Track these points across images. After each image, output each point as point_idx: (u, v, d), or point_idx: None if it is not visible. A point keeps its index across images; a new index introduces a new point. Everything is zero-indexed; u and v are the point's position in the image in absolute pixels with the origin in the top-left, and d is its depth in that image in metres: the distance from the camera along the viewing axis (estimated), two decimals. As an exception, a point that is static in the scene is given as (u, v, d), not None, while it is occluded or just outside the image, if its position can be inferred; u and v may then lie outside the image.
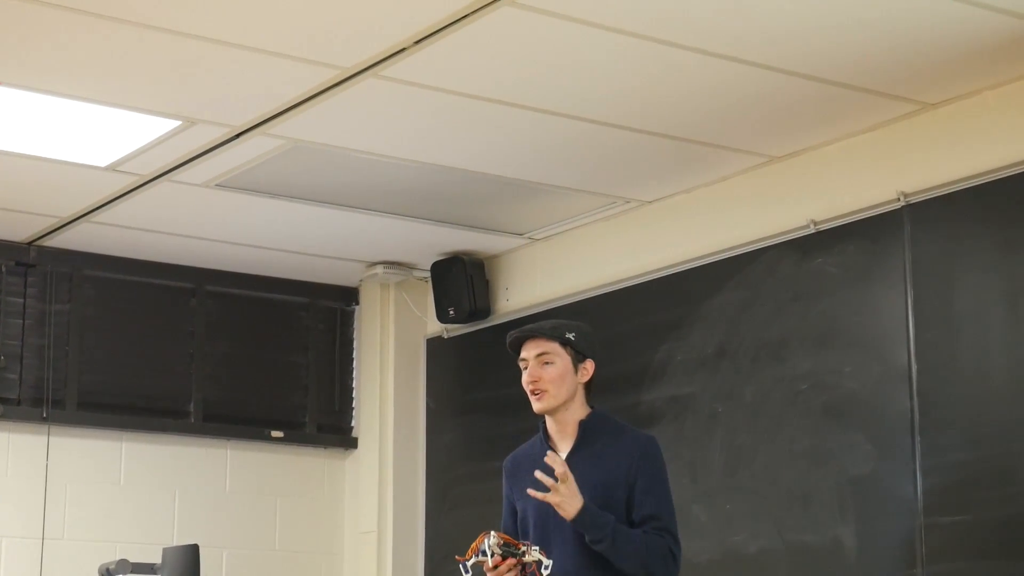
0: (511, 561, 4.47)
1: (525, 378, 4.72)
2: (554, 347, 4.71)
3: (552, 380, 4.68)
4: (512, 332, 4.79)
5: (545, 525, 4.66)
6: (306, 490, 8.18)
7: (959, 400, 5.65)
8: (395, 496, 7.99)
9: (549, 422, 4.77)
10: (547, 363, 4.69)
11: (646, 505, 4.61)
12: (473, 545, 4.51)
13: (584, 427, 4.71)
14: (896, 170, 5.96)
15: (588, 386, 4.76)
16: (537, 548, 4.51)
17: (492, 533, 4.50)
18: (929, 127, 5.87)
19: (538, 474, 4.51)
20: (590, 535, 4.52)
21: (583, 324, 4.85)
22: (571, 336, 4.72)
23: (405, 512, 7.98)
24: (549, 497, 4.49)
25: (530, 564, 4.48)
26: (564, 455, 4.70)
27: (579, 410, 4.73)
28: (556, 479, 4.53)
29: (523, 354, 4.75)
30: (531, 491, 4.54)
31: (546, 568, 4.46)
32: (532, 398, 4.71)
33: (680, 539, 4.65)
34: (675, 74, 5.53)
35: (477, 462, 7.67)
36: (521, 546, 4.50)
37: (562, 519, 4.56)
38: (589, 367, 4.75)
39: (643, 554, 4.54)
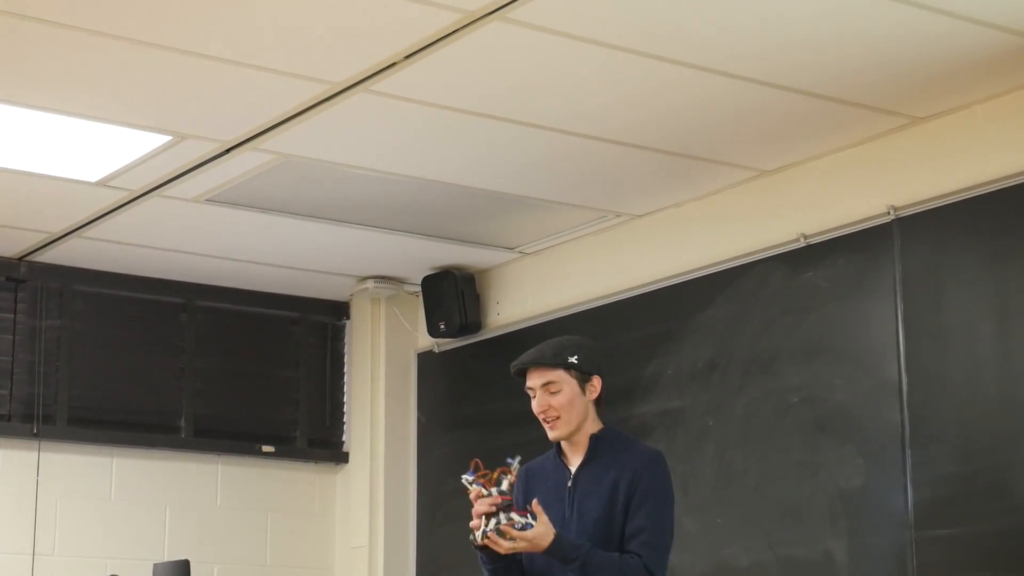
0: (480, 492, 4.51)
1: (535, 407, 4.71)
2: (558, 374, 4.68)
3: (562, 407, 4.67)
4: (515, 362, 4.76)
5: None
6: (297, 505, 8.17)
7: (950, 413, 5.65)
8: (386, 511, 7.97)
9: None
10: (554, 392, 4.68)
11: (637, 517, 4.60)
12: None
13: (595, 441, 4.71)
14: (886, 184, 5.97)
15: (597, 401, 4.76)
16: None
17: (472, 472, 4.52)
18: (918, 141, 5.88)
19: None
20: (563, 564, 4.52)
21: (584, 339, 4.81)
22: (574, 360, 4.69)
23: (396, 527, 7.97)
24: (505, 545, 4.48)
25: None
26: (575, 469, 4.71)
27: (591, 425, 4.73)
28: (563, 493, 4.57)
29: (529, 383, 4.72)
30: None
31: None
32: (546, 427, 4.70)
33: (666, 555, 4.63)
34: (665, 88, 5.54)
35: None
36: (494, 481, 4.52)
37: (568, 532, 4.57)
38: (596, 384, 4.73)
39: None
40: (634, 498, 4.60)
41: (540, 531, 4.47)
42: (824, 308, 6.13)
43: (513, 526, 4.45)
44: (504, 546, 4.47)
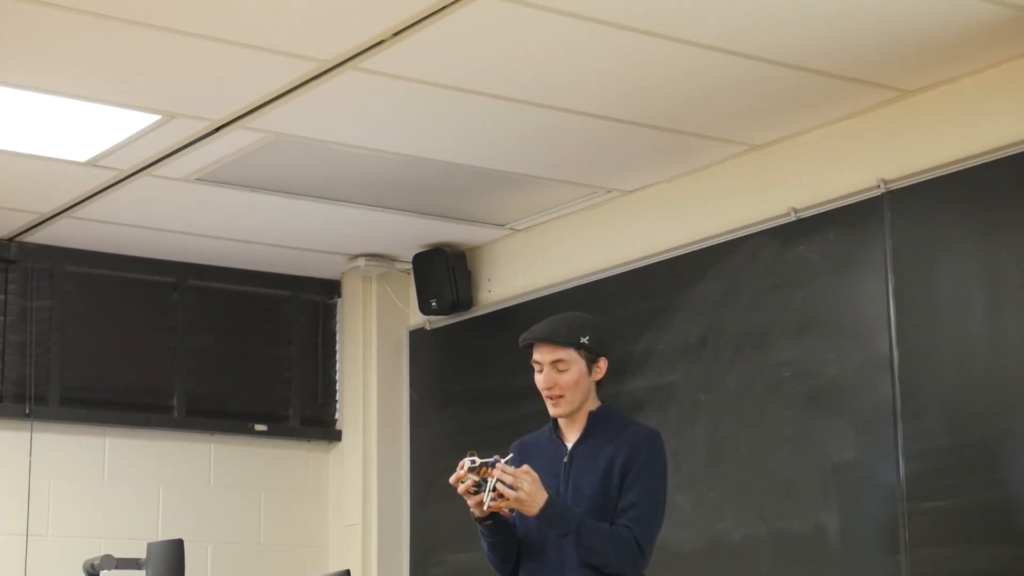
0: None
1: (540, 382, 4.71)
2: (569, 353, 4.69)
3: (568, 386, 4.68)
4: (525, 334, 4.76)
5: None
6: (290, 483, 8.18)
7: (941, 386, 5.67)
8: (379, 488, 7.99)
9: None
10: (562, 370, 4.69)
11: (629, 493, 4.62)
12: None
13: (592, 418, 4.72)
14: (876, 157, 5.97)
15: (599, 381, 4.77)
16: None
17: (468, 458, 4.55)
18: (908, 114, 5.88)
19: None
20: (555, 529, 4.54)
21: (595, 319, 4.82)
22: (585, 341, 4.70)
23: (389, 504, 7.98)
24: (510, 494, 4.49)
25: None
26: (571, 445, 4.72)
27: (590, 403, 4.74)
28: (559, 468, 4.61)
29: (537, 357, 4.73)
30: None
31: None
32: (548, 403, 4.72)
33: (655, 532, 4.65)
34: (654, 63, 5.53)
35: (461, 453, 7.60)
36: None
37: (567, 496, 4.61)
38: (603, 365, 4.74)
39: (607, 548, 4.54)
40: (628, 475, 4.62)
41: (533, 489, 4.49)
42: (815, 282, 6.14)
43: (503, 481, 4.49)
44: (509, 495, 4.48)
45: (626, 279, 6.97)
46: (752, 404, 6.30)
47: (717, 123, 6.15)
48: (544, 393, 4.71)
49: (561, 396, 4.68)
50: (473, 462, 4.53)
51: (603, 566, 4.56)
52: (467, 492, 4.53)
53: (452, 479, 4.56)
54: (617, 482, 4.62)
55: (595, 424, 4.72)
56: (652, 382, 6.73)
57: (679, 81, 5.70)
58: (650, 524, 4.64)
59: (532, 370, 4.74)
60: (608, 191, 6.99)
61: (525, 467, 4.53)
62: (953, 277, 5.68)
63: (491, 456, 4.55)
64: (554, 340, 4.69)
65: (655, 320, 6.76)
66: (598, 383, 4.75)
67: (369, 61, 5.46)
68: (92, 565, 6.28)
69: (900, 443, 5.74)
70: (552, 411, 4.72)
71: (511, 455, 4.67)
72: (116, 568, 6.46)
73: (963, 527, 5.53)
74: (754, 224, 6.41)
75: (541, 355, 4.71)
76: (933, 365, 5.70)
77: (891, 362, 5.81)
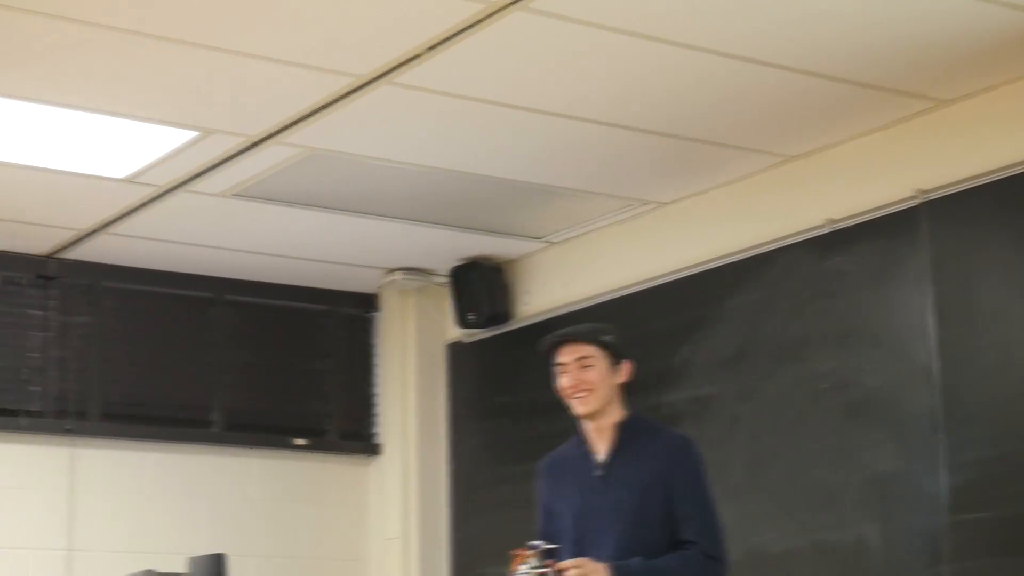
0: None
1: (565, 382, 4.72)
2: (593, 350, 4.72)
3: (593, 383, 4.69)
4: (548, 337, 4.78)
5: (583, 526, 4.68)
6: (331, 497, 8.19)
7: (984, 396, 5.63)
8: (420, 501, 7.99)
9: (587, 425, 4.77)
10: (587, 366, 4.70)
11: (683, 506, 4.63)
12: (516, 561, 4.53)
13: (622, 429, 4.72)
14: (912, 167, 5.94)
15: (623, 388, 4.77)
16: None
17: (531, 553, 4.51)
18: (945, 124, 5.85)
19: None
20: None
21: (612, 327, 4.86)
22: (608, 339, 4.73)
23: (430, 517, 7.99)
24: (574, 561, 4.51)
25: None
26: (602, 458, 4.72)
27: (616, 412, 4.74)
28: (593, 482, 4.62)
29: (561, 358, 4.74)
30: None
31: None
32: (574, 402, 4.72)
33: (721, 535, 4.67)
34: (690, 76, 5.52)
35: (501, 466, 7.67)
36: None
37: (601, 521, 4.59)
38: (625, 368, 4.76)
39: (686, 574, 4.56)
40: (675, 488, 4.62)
41: (595, 567, 4.49)
42: (853, 293, 6.11)
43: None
44: None
45: (663, 291, 6.95)
46: (791, 416, 6.28)
47: (752, 134, 6.13)
48: (569, 391, 4.71)
49: (588, 391, 4.69)
50: (536, 552, 4.51)
51: None
52: None
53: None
54: (662, 496, 4.62)
55: (625, 434, 4.71)
56: (690, 394, 6.71)
57: (715, 93, 5.68)
58: (713, 530, 4.67)
59: (571, 382, 4.75)
60: (645, 203, 6.97)
61: (579, 559, 4.53)
62: (993, 286, 5.64)
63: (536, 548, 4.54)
64: (577, 337, 4.72)
65: (693, 332, 6.74)
66: (624, 390, 4.75)
67: (404, 76, 5.47)
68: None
69: (943, 454, 5.70)
70: (578, 409, 4.72)
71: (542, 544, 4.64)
72: (158, 583, 6.49)
73: (1007, 539, 5.49)
74: (791, 235, 6.38)
75: (566, 355, 4.73)
76: (976, 375, 5.66)
77: (932, 372, 5.78)
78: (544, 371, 4.83)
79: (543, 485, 4.87)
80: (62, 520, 7.48)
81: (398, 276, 7.97)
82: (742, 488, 6.41)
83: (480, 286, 7.72)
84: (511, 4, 4.94)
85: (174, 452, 7.80)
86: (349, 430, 8.27)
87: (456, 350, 8.12)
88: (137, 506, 7.68)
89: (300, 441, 8.11)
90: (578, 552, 4.61)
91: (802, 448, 6.22)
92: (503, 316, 7.75)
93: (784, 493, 6.27)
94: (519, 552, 4.53)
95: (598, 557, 4.57)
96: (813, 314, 6.26)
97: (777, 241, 6.44)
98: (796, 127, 6.05)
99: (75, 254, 7.53)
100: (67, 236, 7.30)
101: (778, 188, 6.47)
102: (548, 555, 4.51)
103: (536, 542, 4.55)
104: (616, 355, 4.74)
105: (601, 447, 4.74)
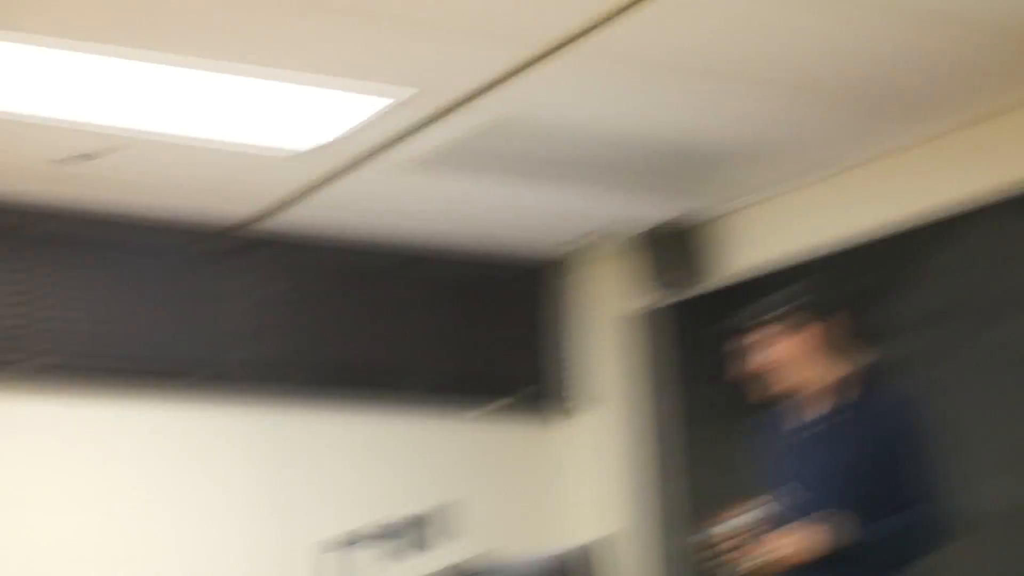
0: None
1: (763, 360, 4.68)
2: (788, 323, 4.66)
3: (792, 360, 4.64)
4: (741, 314, 4.73)
5: (800, 483, 4.62)
6: (524, 460, 8.25)
7: None
8: (614, 464, 8.00)
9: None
10: (782, 342, 4.64)
11: (911, 466, 4.56)
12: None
13: (835, 389, 4.65)
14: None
15: (832, 344, 4.68)
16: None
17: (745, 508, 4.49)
18: None
19: None
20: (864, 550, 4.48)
21: (808, 285, 4.77)
22: (803, 301, 4.66)
23: (624, 480, 7.98)
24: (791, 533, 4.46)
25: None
26: (817, 416, 4.69)
27: (826, 373, 4.67)
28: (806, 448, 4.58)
29: (749, 338, 4.71)
30: None
31: None
32: (774, 380, 4.67)
33: (940, 491, 4.58)
34: (891, 36, 5.40)
35: (696, 430, 7.62)
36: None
37: (817, 479, 4.54)
38: (828, 325, 4.67)
39: (905, 536, 4.50)
40: (895, 443, 4.54)
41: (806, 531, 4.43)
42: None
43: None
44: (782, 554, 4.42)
45: (863, 251, 6.82)
46: (995, 376, 6.12)
47: (952, 92, 5.98)
48: (767, 370, 4.66)
49: (781, 372, 4.64)
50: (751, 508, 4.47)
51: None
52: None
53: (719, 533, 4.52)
54: (881, 455, 4.52)
55: (841, 396, 4.63)
56: (892, 355, 6.57)
57: (914, 52, 5.55)
58: (934, 488, 4.59)
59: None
60: (842, 163, 6.85)
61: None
62: None
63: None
64: (771, 313, 4.66)
65: (892, 292, 6.60)
66: (830, 350, 4.66)
67: (596, 40, 5.40)
68: (349, 540, 6.38)
69: None
70: (774, 389, 4.67)
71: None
72: (378, 538, 6.52)
73: None
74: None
75: (759, 333, 4.67)
76: None
77: None
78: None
79: (759, 441, 4.82)
80: (268, 484, 7.61)
81: (591, 241, 7.94)
82: (952, 445, 6.29)
83: (673, 249, 7.68)
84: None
85: (374, 415, 7.90)
86: (543, 395, 8.31)
87: (650, 314, 8.08)
88: (341, 471, 7.81)
89: (495, 404, 8.16)
90: (797, 511, 4.56)
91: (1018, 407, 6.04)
92: (697, 279, 7.69)
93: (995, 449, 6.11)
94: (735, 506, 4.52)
95: (816, 514, 4.50)
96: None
97: (981, 199, 6.27)
98: (995, 83, 5.88)
99: (268, 226, 7.63)
100: (259, 207, 7.39)
101: (982, 145, 6.29)
102: (763, 513, 4.48)
103: (757, 499, 4.52)
104: (815, 315, 4.66)
105: (815, 408, 4.67)
